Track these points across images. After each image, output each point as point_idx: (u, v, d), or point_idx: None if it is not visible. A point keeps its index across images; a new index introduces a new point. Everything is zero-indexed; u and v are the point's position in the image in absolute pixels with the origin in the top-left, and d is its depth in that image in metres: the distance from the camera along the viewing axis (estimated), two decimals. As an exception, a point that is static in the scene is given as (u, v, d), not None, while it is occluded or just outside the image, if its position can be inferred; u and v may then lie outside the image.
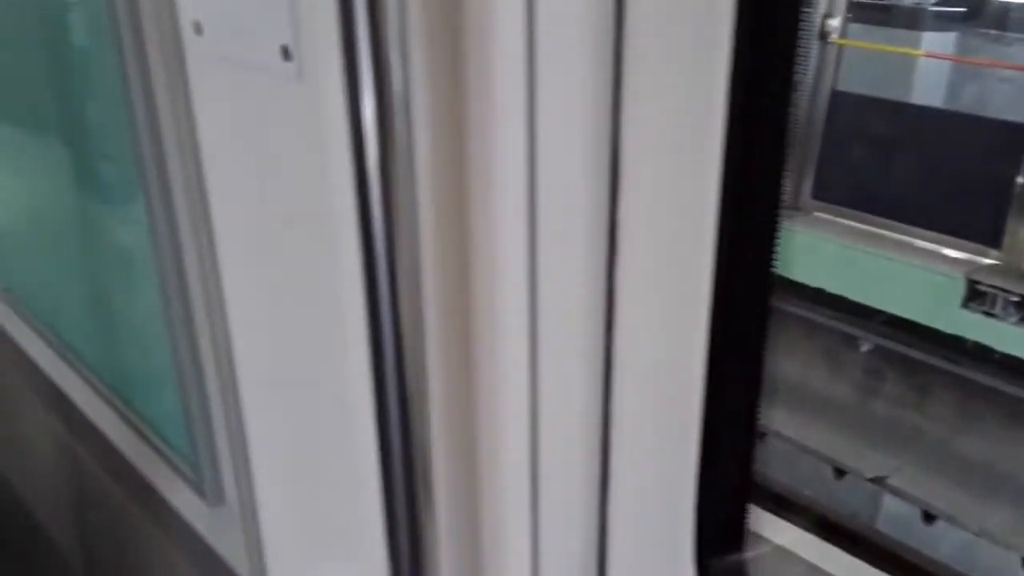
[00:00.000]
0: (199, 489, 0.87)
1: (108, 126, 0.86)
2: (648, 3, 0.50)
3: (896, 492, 3.00)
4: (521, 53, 0.51)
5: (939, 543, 2.86)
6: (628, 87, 0.51)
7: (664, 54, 0.51)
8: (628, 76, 0.51)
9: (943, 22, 3.73)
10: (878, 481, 3.04)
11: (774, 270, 0.59)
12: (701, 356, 0.59)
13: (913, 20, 3.67)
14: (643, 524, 0.63)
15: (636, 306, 0.56)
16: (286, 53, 0.57)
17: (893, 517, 3.00)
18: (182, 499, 0.94)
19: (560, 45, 0.50)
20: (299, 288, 0.66)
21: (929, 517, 2.93)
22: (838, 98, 3.43)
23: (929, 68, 3.58)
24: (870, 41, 3.53)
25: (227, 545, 0.90)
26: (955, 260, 3.05)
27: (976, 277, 2.91)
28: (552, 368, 0.58)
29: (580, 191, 0.53)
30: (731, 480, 0.64)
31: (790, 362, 3.33)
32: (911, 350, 3.10)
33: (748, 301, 0.60)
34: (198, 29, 0.65)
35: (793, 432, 3.19)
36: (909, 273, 3.06)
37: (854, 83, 3.43)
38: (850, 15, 3.47)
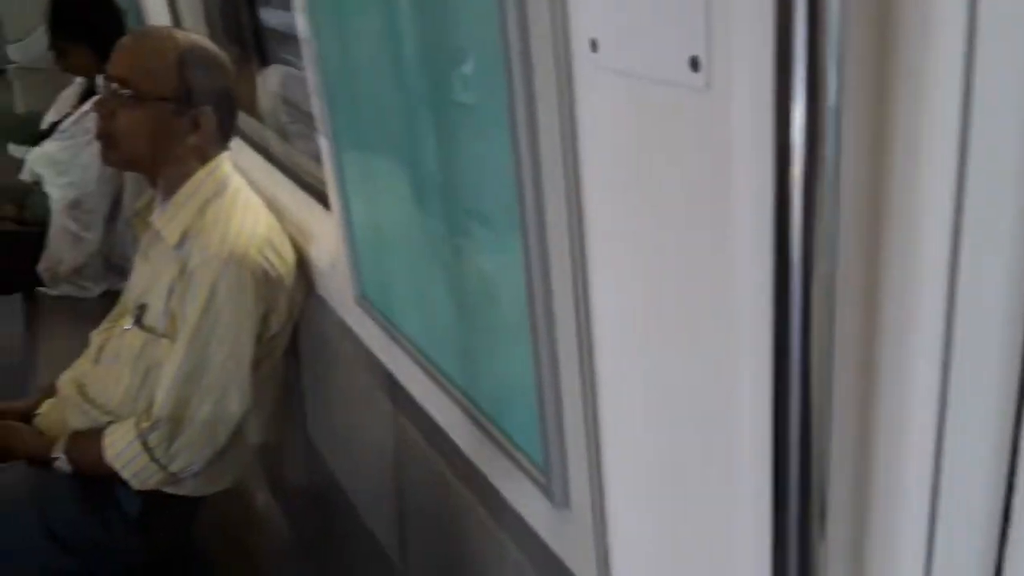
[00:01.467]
0: (546, 490, 0.90)
1: (484, 138, 0.91)
2: None
3: None
4: (959, 62, 0.47)
5: None
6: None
7: None
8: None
9: None
10: None
11: None
12: None
13: None
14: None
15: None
16: (694, 64, 0.57)
17: None
18: (525, 499, 0.97)
19: (1003, 59, 0.46)
20: (684, 305, 0.66)
21: None
22: None
23: None
24: None
25: (569, 549, 0.92)
26: None
27: None
28: (963, 388, 0.53)
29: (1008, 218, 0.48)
30: None
31: None
32: None
33: None
34: (594, 46, 0.67)
35: None
36: None
37: None
38: None
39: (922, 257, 0.51)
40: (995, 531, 0.56)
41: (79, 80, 2.98)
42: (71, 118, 2.82)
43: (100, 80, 1.67)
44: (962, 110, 0.47)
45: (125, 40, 1.69)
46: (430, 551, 1.24)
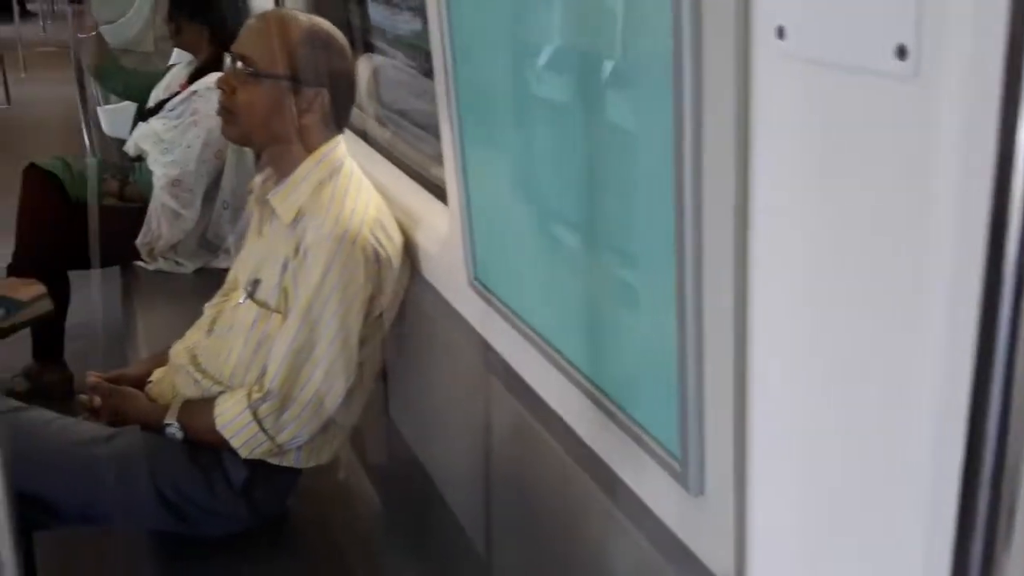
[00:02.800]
0: (680, 478, 0.90)
1: (637, 127, 0.92)
2: None
3: None
4: None
5: None
6: None
7: None
8: None
9: None
10: None
11: None
12: None
13: None
14: None
15: None
16: (901, 52, 0.57)
17: None
18: (653, 487, 0.98)
19: None
20: (864, 305, 0.66)
21: None
22: None
23: None
24: None
25: (701, 539, 0.92)
26: None
27: None
28: None
29: None
30: None
31: None
32: None
33: None
34: (781, 33, 0.67)
35: None
36: None
37: None
38: None
39: None
40: None
41: (187, 61, 3.06)
42: (178, 97, 2.90)
43: (226, 58, 1.72)
44: None
45: (252, 20, 1.74)
46: (534, 536, 1.25)
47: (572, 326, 1.13)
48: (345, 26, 2.83)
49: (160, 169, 2.83)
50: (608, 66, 0.96)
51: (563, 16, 1.05)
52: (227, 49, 2.84)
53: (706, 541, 0.91)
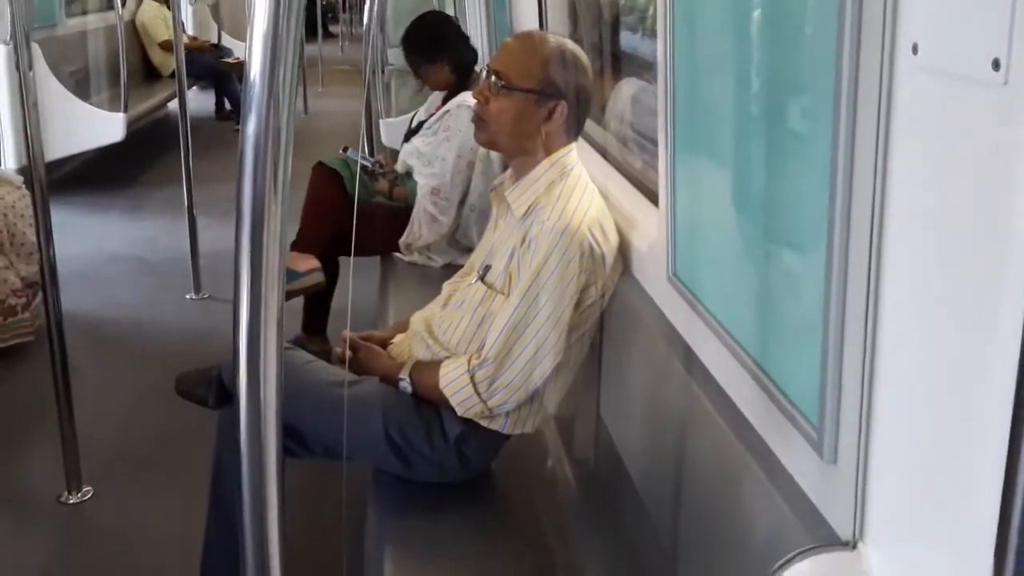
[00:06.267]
0: (817, 446, 1.01)
1: (806, 146, 1.05)
2: None
3: None
4: None
5: None
6: None
7: None
8: None
9: None
10: None
11: None
12: None
13: None
14: None
15: None
16: (996, 64, 0.68)
17: None
18: (797, 456, 1.09)
19: None
20: (966, 294, 0.75)
21: None
22: None
23: None
24: None
25: (831, 505, 1.02)
26: None
27: None
28: None
29: None
30: None
31: None
32: None
33: None
34: (915, 50, 0.79)
35: None
36: None
37: None
38: None
39: None
40: None
41: (442, 92, 3.47)
42: (434, 117, 3.31)
43: (483, 72, 1.99)
44: None
45: (509, 39, 2.01)
46: (695, 507, 1.37)
47: (747, 316, 1.26)
48: (605, 52, 3.07)
49: (423, 179, 3.22)
50: (788, 79, 1.10)
51: (752, 46, 1.20)
52: (467, 80, 3.23)
53: (835, 508, 1.01)
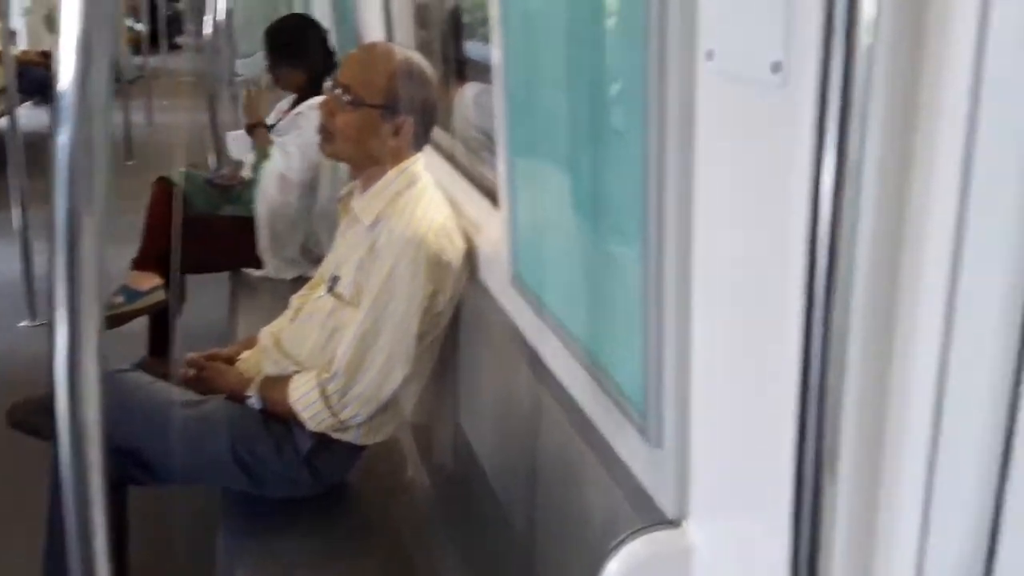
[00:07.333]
0: (644, 433, 1.07)
1: (622, 150, 1.11)
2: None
3: None
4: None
5: None
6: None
7: None
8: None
9: None
10: None
11: None
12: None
13: None
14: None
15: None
16: (776, 67, 0.74)
17: None
18: (628, 442, 1.14)
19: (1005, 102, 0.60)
20: (756, 285, 0.82)
21: None
22: None
23: None
24: None
25: (658, 485, 1.08)
26: None
27: None
28: (960, 381, 0.66)
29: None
30: None
31: None
32: None
33: None
34: (710, 56, 0.85)
35: None
36: None
37: None
38: None
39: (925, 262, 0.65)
40: (994, 472, 0.68)
41: (292, 96, 3.43)
42: (285, 120, 3.27)
43: (326, 85, 1.98)
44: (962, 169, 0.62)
45: (354, 52, 2.01)
46: (544, 499, 1.41)
47: (582, 315, 1.31)
48: (449, 59, 3.10)
49: (269, 165, 3.14)
50: (607, 82, 1.15)
51: (574, 50, 1.25)
52: (320, 87, 3.20)
53: (662, 488, 1.07)
